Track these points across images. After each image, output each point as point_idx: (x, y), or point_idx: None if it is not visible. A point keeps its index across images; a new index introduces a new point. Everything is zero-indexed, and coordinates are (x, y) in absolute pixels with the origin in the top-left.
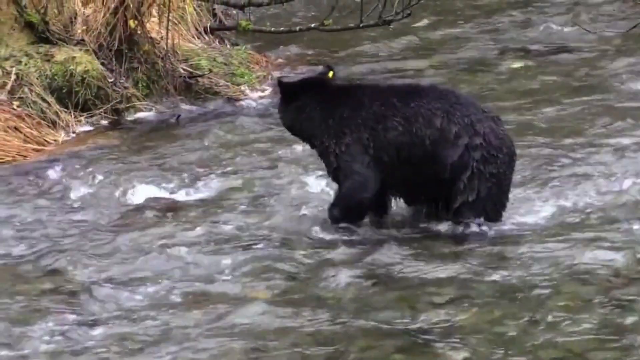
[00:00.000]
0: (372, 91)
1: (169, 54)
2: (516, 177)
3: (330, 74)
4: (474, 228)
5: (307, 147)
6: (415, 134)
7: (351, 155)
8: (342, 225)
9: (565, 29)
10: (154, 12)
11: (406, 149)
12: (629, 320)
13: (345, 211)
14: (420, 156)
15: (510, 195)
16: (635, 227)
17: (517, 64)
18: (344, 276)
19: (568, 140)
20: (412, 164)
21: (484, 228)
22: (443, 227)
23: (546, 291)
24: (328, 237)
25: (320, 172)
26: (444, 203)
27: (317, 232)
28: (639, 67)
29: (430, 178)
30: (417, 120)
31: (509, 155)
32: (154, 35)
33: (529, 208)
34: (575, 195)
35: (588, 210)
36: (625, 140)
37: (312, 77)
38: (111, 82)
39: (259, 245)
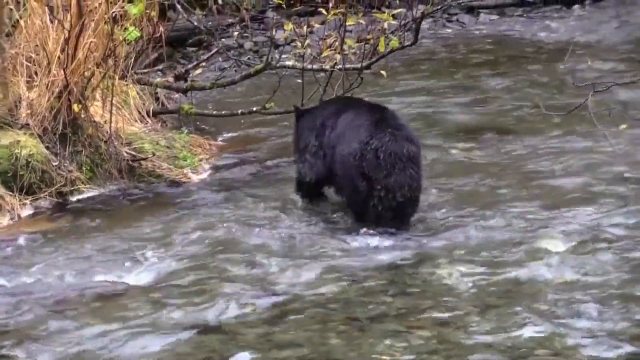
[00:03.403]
0: None
1: (113, 138)
2: (461, 253)
3: None
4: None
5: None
6: None
7: None
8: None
9: (511, 110)
10: (98, 96)
11: None
12: None
13: None
14: None
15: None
16: (567, 307)
17: (463, 145)
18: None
19: (508, 218)
20: None
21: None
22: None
23: None
24: (271, 324)
25: (266, 254)
26: None
27: (259, 316)
28: (577, 147)
29: None
30: None
31: None
32: (97, 119)
33: (466, 286)
34: (511, 269)
35: (524, 286)
36: (566, 221)
37: None
38: (55, 165)
39: (203, 331)
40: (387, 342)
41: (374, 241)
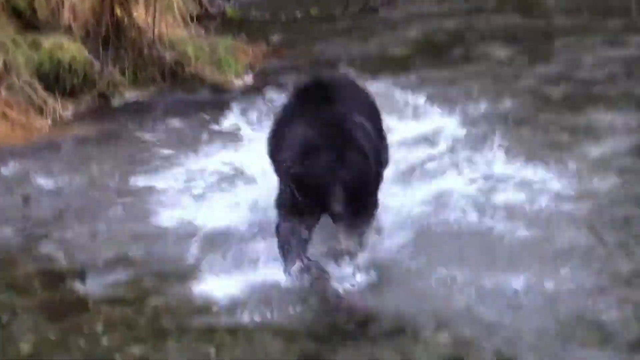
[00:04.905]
0: None
1: (156, 42)
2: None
3: None
4: None
5: None
6: None
7: None
8: None
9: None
10: (141, 1)
11: None
12: None
13: None
14: None
15: None
16: None
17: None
18: None
19: None
20: None
21: None
22: None
23: None
24: None
25: None
26: None
27: None
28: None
29: None
30: None
31: None
32: (140, 23)
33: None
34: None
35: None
36: None
37: None
38: (98, 68)
39: (247, 238)
40: None
41: None
